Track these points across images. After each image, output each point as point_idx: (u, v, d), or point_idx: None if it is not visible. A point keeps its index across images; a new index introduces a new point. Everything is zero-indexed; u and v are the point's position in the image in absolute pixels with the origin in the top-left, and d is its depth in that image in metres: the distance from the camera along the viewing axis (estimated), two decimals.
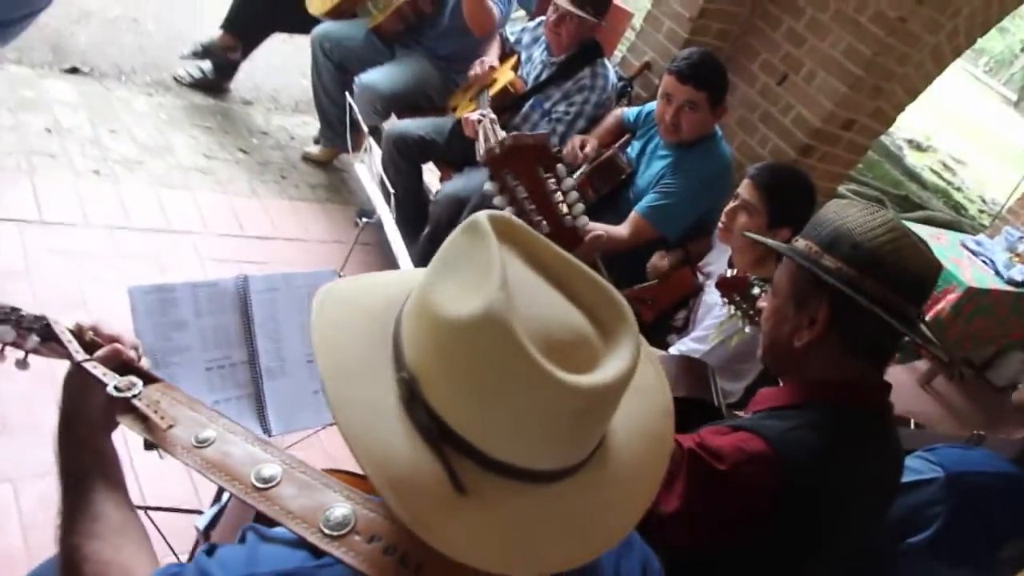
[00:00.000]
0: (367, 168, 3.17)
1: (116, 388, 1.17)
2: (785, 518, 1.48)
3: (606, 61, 3.75)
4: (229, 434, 1.12)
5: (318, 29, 4.17)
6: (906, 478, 2.01)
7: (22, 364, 1.29)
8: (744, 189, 2.64)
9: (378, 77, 3.94)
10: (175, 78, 4.46)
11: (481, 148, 3.28)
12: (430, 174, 4.11)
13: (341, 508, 0.95)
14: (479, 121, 3.41)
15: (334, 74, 4.13)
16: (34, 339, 1.25)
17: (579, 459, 0.90)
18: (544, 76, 3.74)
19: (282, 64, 5.16)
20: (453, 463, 0.84)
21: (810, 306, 1.58)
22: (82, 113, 3.81)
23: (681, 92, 3.05)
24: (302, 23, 4.35)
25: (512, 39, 3.99)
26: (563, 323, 0.86)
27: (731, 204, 2.66)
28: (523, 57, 3.90)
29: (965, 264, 4.60)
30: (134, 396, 1.16)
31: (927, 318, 3.73)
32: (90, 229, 3.21)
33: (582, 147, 3.44)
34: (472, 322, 0.81)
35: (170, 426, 1.14)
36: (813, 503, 1.49)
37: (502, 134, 3.39)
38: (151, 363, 1.33)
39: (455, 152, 3.75)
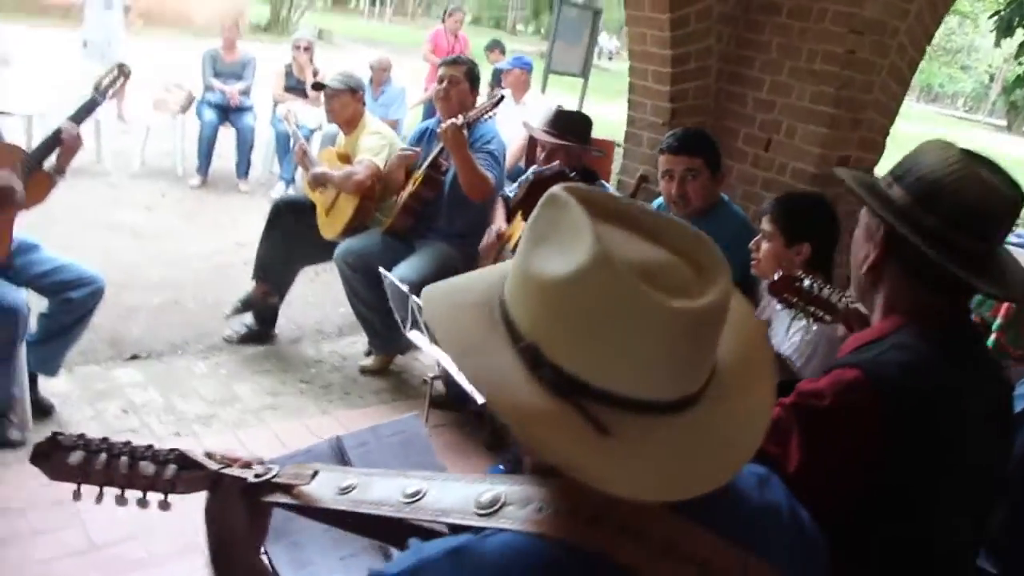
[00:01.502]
0: (421, 335, 3.32)
1: (256, 475, 1.26)
2: (898, 441, 1.48)
3: (605, 183, 3.98)
4: (368, 478, 1.18)
5: (339, 249, 4.45)
6: (1018, 406, 2.00)
7: (164, 505, 1.37)
8: (762, 223, 2.77)
9: (404, 271, 4.16)
10: (225, 339, 4.72)
11: None
12: None
13: (490, 492, 0.98)
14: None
15: (365, 283, 4.36)
16: (172, 468, 1.32)
17: (697, 387, 0.95)
18: None
19: (316, 299, 5.47)
20: (588, 409, 0.90)
21: (873, 232, 1.64)
22: (151, 389, 4.04)
23: (678, 164, 3.23)
24: (322, 252, 4.65)
25: (513, 196, 4.25)
26: (660, 261, 0.93)
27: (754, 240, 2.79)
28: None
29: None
30: (274, 476, 1.25)
31: (998, 320, 3.71)
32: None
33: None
34: (579, 272, 0.88)
35: (314, 475, 1.21)
36: (920, 419, 1.49)
37: None
38: (272, 536, 1.42)
39: None
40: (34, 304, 3.44)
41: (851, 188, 1.65)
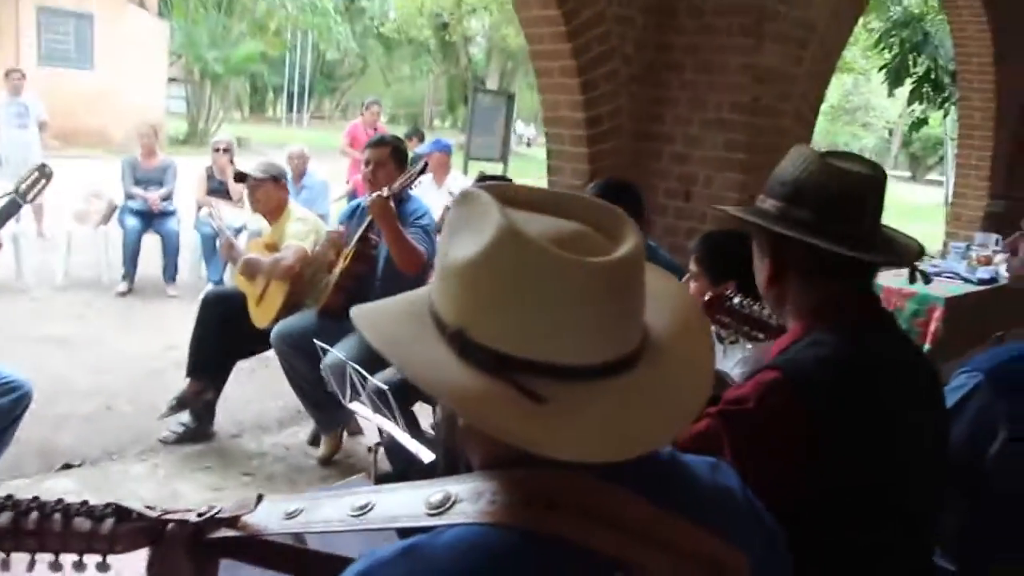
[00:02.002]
0: (363, 404, 3.27)
1: (198, 515, 1.22)
2: (826, 435, 1.51)
3: None
4: (315, 501, 1.15)
5: (274, 332, 4.39)
6: (952, 399, 2.05)
7: (103, 567, 1.32)
8: (689, 264, 2.84)
9: (341, 350, 4.13)
10: (161, 440, 4.59)
11: None
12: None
13: (439, 492, 0.96)
14: None
15: (304, 360, 4.29)
16: (109, 522, 1.26)
17: (628, 349, 0.95)
18: None
19: (254, 394, 5.36)
20: (522, 383, 0.90)
21: (763, 248, 1.72)
22: (85, 495, 3.85)
23: None
24: (256, 342, 4.59)
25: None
26: (569, 229, 0.95)
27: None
28: None
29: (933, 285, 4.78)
30: (217, 511, 1.21)
31: (926, 346, 3.81)
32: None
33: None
34: (489, 248, 0.90)
35: (258, 502, 1.19)
36: (843, 408, 1.52)
37: None
38: None
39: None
40: None
41: (731, 214, 1.76)
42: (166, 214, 7.84)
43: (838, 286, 1.65)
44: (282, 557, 1.34)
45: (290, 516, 1.14)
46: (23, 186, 3.66)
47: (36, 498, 1.25)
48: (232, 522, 1.20)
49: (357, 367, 3.11)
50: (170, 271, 7.82)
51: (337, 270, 4.42)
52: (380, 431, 3.36)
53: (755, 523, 1.10)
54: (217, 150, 8.03)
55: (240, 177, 4.87)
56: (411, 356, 0.96)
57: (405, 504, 1.00)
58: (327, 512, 1.10)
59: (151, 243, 7.89)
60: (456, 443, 1.05)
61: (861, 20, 5.83)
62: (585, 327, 0.92)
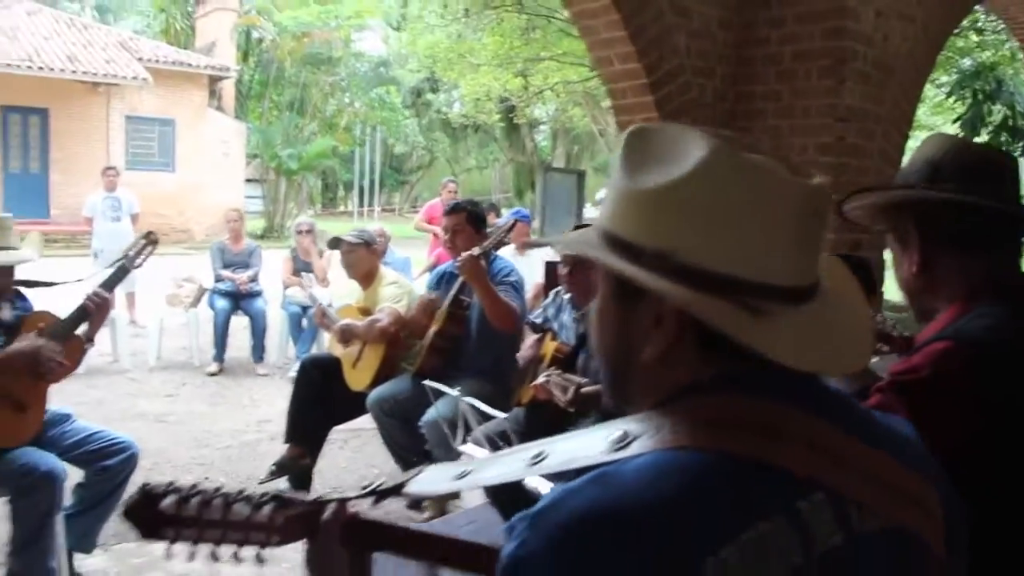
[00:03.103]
0: (476, 447, 3.24)
1: (362, 487, 1.21)
2: (1002, 402, 1.45)
3: None
4: (483, 463, 1.15)
5: (371, 397, 4.41)
6: None
7: (260, 559, 1.31)
8: None
9: (439, 411, 4.11)
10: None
11: (561, 399, 3.41)
12: None
13: (616, 431, 0.94)
14: (546, 382, 3.56)
15: (401, 428, 4.30)
16: (268, 507, 1.26)
17: (815, 277, 0.95)
18: (581, 331, 3.96)
19: (348, 463, 5.36)
20: (732, 299, 0.89)
21: (908, 236, 1.66)
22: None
23: None
24: (352, 407, 4.62)
25: (540, 321, 4.26)
26: (764, 155, 0.94)
27: None
28: (555, 328, 4.14)
29: None
30: (381, 483, 1.21)
31: None
32: None
33: None
34: (701, 168, 0.89)
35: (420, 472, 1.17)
36: (1017, 379, 1.47)
37: (573, 377, 3.53)
38: None
39: (538, 436, 3.83)
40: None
41: (871, 201, 1.70)
42: (253, 295, 8.03)
43: (992, 259, 1.59)
44: (434, 549, 1.31)
45: (460, 477, 1.12)
46: (131, 252, 3.79)
47: (196, 485, 1.25)
48: (396, 490, 1.18)
49: (476, 402, 3.08)
50: (258, 350, 7.97)
51: (431, 332, 4.44)
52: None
53: (939, 473, 1.04)
54: (300, 232, 8.23)
55: (335, 243, 4.96)
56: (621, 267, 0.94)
57: (581, 447, 0.97)
58: (499, 469, 1.09)
59: (238, 326, 8.09)
60: (625, 390, 1.02)
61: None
62: (793, 249, 0.91)
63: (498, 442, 2.84)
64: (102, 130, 19.98)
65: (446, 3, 17.78)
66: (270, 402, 6.78)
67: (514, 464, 1.07)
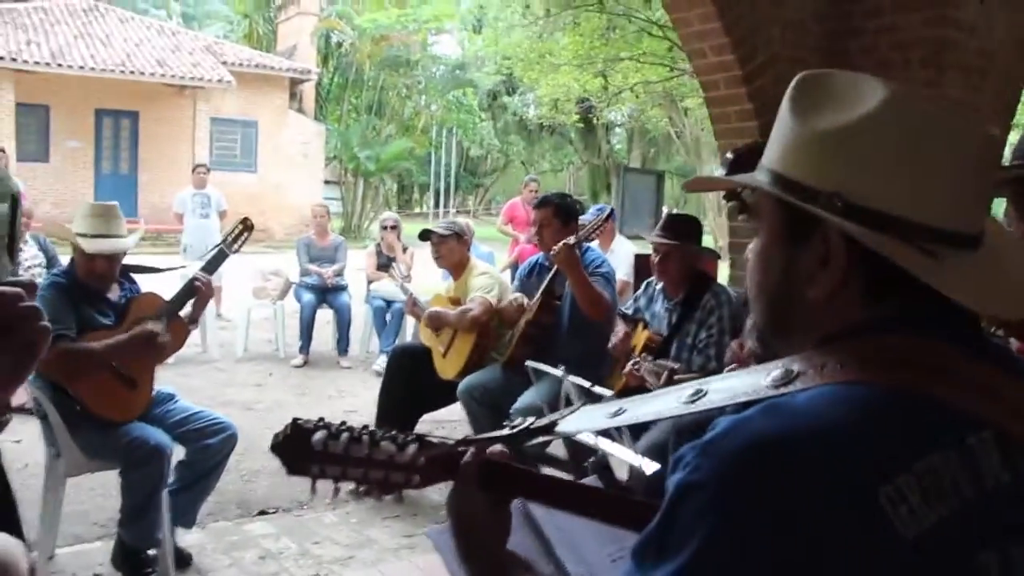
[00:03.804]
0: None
1: (511, 427, 1.23)
2: None
3: (719, 282, 3.96)
4: (637, 401, 1.16)
5: (461, 386, 4.43)
6: None
7: (399, 499, 1.32)
8: None
9: (530, 398, 4.11)
10: (349, 493, 4.64)
11: (655, 384, 3.38)
12: None
13: (778, 369, 0.94)
14: (637, 369, 3.54)
15: (491, 416, 4.31)
16: (412, 447, 1.26)
17: (983, 226, 0.94)
18: (674, 320, 3.92)
19: None
20: (907, 240, 0.89)
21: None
22: (284, 539, 3.97)
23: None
24: (441, 395, 4.65)
25: (631, 311, 4.23)
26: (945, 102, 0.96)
27: None
28: (647, 318, 4.11)
29: None
30: (531, 423, 1.21)
31: None
32: None
33: (741, 347, 3.52)
34: (879, 111, 0.89)
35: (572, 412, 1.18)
36: None
37: (666, 363, 3.51)
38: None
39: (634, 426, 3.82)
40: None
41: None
42: (339, 288, 8.16)
43: None
44: (572, 497, 1.31)
45: (614, 415, 1.12)
46: (229, 237, 3.89)
47: (344, 422, 1.27)
48: (549, 429, 1.18)
49: (582, 381, 3.07)
50: (343, 343, 8.09)
51: (523, 321, 4.44)
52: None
53: None
54: (385, 227, 8.33)
55: (425, 235, 5.00)
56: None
57: (742, 384, 0.97)
58: (655, 406, 1.10)
59: (321, 320, 8.22)
60: (785, 331, 1.01)
61: None
62: (969, 196, 0.91)
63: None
64: (188, 131, 20.52)
65: (527, 3, 17.82)
66: (355, 393, 6.88)
67: (670, 402, 1.07)
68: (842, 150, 0.91)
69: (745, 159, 2.79)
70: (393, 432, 1.27)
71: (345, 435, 1.23)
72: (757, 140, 3.68)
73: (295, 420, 1.25)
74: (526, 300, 4.54)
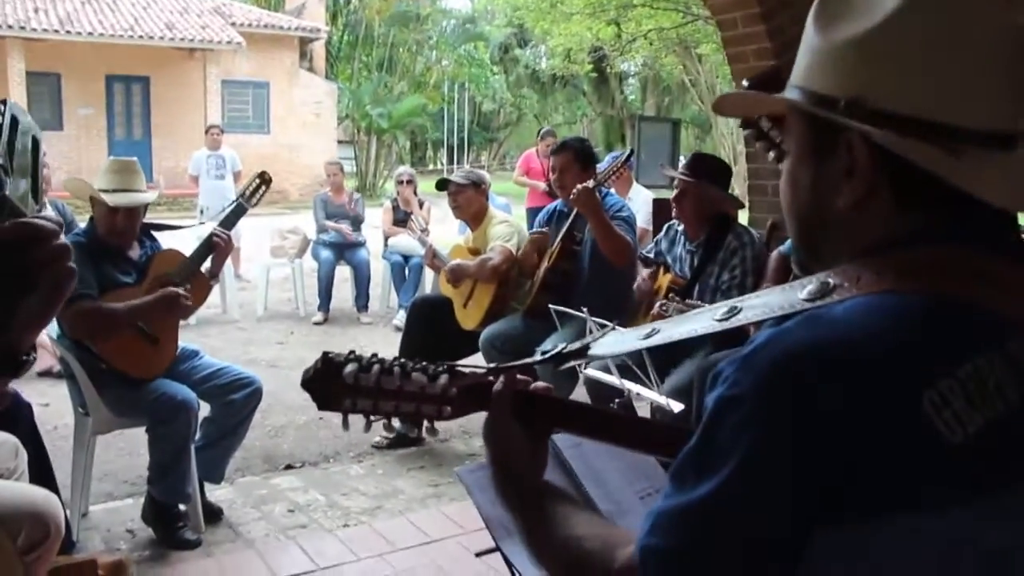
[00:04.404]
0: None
1: (542, 353, 1.22)
2: None
3: (742, 224, 3.91)
4: (671, 323, 1.17)
5: (483, 336, 4.42)
6: None
7: (432, 431, 1.31)
8: None
9: (552, 344, 4.09)
10: (374, 445, 4.67)
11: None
12: None
13: (812, 284, 0.93)
14: (664, 310, 3.52)
15: (511, 362, 4.31)
16: (444, 377, 1.24)
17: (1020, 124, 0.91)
18: (696, 262, 3.88)
19: None
20: (931, 141, 0.87)
21: None
22: (312, 491, 3.99)
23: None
24: (463, 345, 4.62)
25: (652, 255, 4.19)
26: None
27: None
28: (669, 261, 4.07)
29: None
30: (563, 348, 1.20)
31: None
32: (363, 562, 3.25)
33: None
34: (899, 11, 0.87)
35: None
36: None
37: (694, 303, 3.48)
38: (502, 532, 1.38)
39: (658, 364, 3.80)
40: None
41: None
42: (357, 245, 8.14)
43: None
44: (607, 425, 1.30)
45: (647, 336, 1.11)
46: (247, 191, 3.86)
47: (375, 354, 1.25)
48: (582, 352, 1.16)
49: (606, 322, 3.04)
50: (362, 299, 8.11)
51: (543, 268, 4.41)
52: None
53: None
54: (401, 182, 8.29)
55: (442, 184, 4.96)
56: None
57: (777, 300, 0.97)
58: (688, 326, 1.10)
59: (339, 277, 8.22)
60: (819, 247, 1.00)
61: None
62: (1003, 91, 0.88)
63: (631, 366, 2.79)
64: (199, 95, 20.44)
65: None
66: (376, 348, 6.81)
67: (704, 321, 1.07)
68: (863, 55, 0.90)
69: (761, 86, 2.73)
70: (424, 363, 1.25)
71: (376, 367, 1.21)
72: (774, 64, 3.60)
73: (325, 354, 1.23)
74: (546, 231, 4.49)
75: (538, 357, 1.27)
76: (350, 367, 1.19)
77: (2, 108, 0.83)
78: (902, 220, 0.90)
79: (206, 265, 3.65)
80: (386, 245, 8.25)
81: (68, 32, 18.71)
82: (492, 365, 1.27)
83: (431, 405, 1.23)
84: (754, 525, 0.82)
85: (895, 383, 0.80)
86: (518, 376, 1.26)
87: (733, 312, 1.01)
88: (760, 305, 0.99)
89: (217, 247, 3.60)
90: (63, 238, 0.82)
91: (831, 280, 0.91)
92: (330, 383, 1.21)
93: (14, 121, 0.85)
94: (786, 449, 0.81)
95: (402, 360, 1.23)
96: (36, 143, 0.91)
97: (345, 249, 8.09)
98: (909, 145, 0.86)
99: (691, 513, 0.84)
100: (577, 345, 1.24)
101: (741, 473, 0.81)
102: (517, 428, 1.21)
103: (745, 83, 2.75)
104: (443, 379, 1.22)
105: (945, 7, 0.87)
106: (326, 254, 7.99)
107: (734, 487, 0.82)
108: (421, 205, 8.16)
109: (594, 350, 1.20)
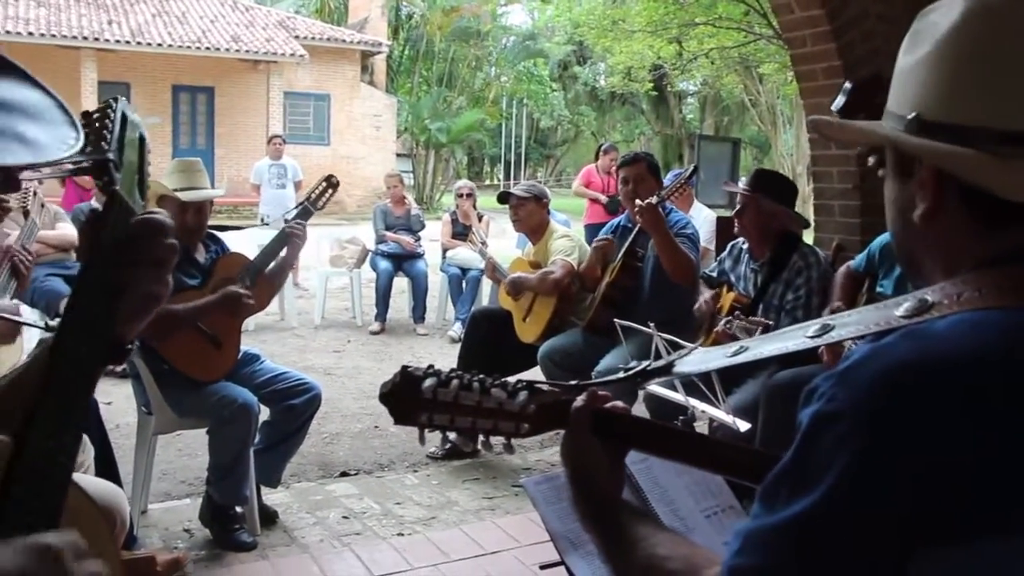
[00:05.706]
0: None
1: (625, 370, 1.20)
2: None
3: (808, 243, 3.84)
4: (760, 341, 1.17)
5: (542, 350, 4.40)
6: None
7: (509, 448, 1.30)
8: None
9: (613, 360, 4.05)
10: (429, 456, 4.66)
11: (746, 337, 3.30)
12: None
13: (909, 302, 0.92)
14: (729, 328, 3.46)
15: (570, 377, 4.24)
16: (523, 394, 1.22)
17: None
18: (760, 281, 3.82)
19: None
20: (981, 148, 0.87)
21: None
22: (367, 499, 4.00)
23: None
24: (521, 359, 4.61)
25: (716, 275, 4.13)
26: None
27: None
28: (732, 280, 4.01)
29: None
30: (646, 365, 1.18)
31: None
32: (417, 571, 3.24)
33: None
34: (957, 28, 0.89)
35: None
36: None
37: (758, 319, 3.42)
38: (567, 545, 1.42)
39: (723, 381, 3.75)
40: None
41: None
42: (415, 256, 8.19)
43: None
44: (686, 446, 1.27)
45: (735, 354, 1.09)
46: (314, 195, 3.91)
47: (454, 369, 1.24)
48: (667, 370, 1.14)
49: (673, 338, 3.00)
50: (419, 311, 8.15)
51: (604, 283, 4.38)
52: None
53: None
54: (460, 195, 8.32)
55: (504, 198, 4.97)
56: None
57: (873, 317, 0.96)
58: (778, 344, 1.08)
59: (397, 288, 8.27)
60: (915, 263, 1.00)
61: None
62: None
63: (698, 384, 2.75)
64: (262, 106, 20.82)
65: None
66: (432, 359, 6.84)
67: (796, 338, 1.05)
68: (920, 73, 0.92)
69: (861, 92, 2.69)
70: (504, 379, 1.23)
71: (455, 382, 1.20)
72: (878, 73, 3.53)
73: (404, 367, 1.22)
74: (611, 238, 4.45)
75: (620, 375, 1.24)
76: (429, 381, 1.18)
77: (113, 105, 0.84)
78: (997, 238, 0.88)
79: (276, 260, 3.70)
80: (444, 257, 8.28)
81: (139, 43, 19.21)
82: (572, 383, 1.24)
83: (509, 422, 1.21)
84: (848, 545, 0.79)
85: (1003, 402, 0.77)
86: (599, 393, 1.24)
87: (826, 329, 0.99)
88: (855, 322, 0.98)
89: (293, 237, 3.65)
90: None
91: (929, 297, 0.90)
92: (408, 397, 1.20)
93: (124, 119, 0.85)
94: (888, 466, 0.78)
95: (481, 376, 1.21)
96: (143, 140, 0.92)
97: (403, 260, 8.15)
98: (958, 155, 0.87)
99: (783, 532, 0.81)
100: (661, 363, 1.21)
101: (836, 494, 0.79)
102: (596, 446, 1.19)
103: (848, 84, 2.70)
104: (522, 396, 1.20)
105: (998, 12, 0.88)
106: (384, 265, 8.04)
107: (831, 505, 0.79)
108: (480, 219, 8.18)
109: (679, 368, 1.17)
